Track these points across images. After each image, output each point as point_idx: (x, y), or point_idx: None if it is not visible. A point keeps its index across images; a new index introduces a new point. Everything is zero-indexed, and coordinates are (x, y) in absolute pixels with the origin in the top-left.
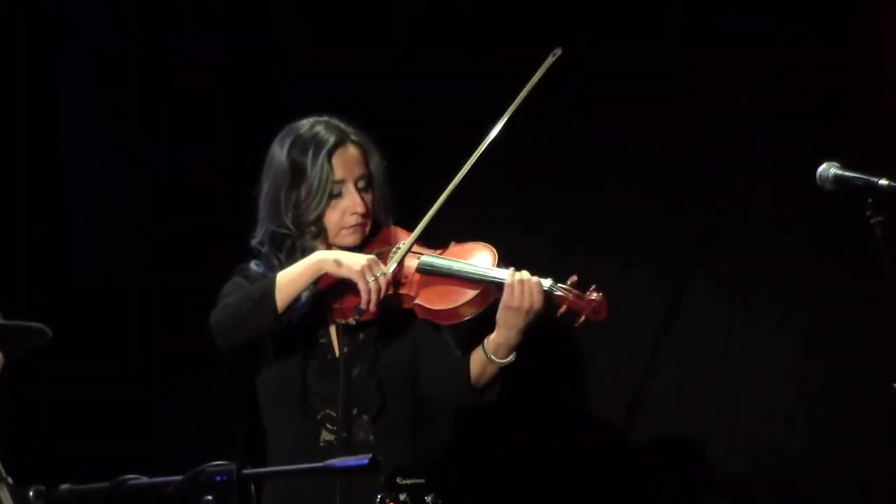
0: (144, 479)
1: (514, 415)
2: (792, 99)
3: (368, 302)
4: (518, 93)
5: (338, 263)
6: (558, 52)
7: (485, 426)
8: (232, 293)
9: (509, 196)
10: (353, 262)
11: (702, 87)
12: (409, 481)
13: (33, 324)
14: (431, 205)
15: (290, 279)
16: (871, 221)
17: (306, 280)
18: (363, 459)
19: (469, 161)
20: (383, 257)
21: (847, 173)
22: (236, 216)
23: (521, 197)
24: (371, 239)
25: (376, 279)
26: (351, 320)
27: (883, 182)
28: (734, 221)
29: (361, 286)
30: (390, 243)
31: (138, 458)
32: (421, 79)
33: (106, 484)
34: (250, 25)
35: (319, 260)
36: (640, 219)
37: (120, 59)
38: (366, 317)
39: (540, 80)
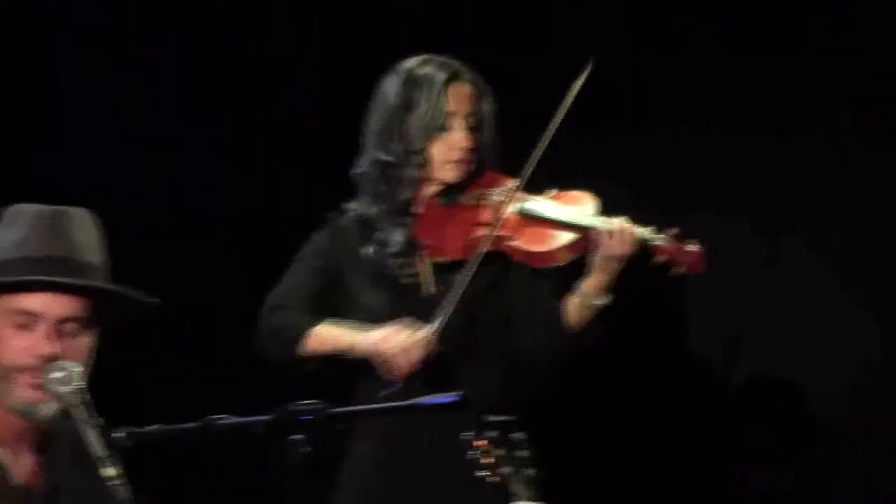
0: (233, 419)
1: (607, 359)
2: None
3: (400, 379)
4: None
5: (358, 344)
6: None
7: (577, 369)
8: (300, 268)
9: (611, 144)
10: (370, 342)
11: None
12: (499, 419)
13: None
14: (532, 152)
15: (324, 338)
16: None
17: (337, 349)
18: (453, 396)
19: (563, 106)
20: (484, 199)
21: None
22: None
23: (623, 144)
24: (473, 180)
25: (409, 360)
26: (385, 393)
27: None
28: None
29: (395, 370)
30: (491, 186)
31: (226, 399)
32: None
33: (194, 424)
34: None
35: (349, 341)
36: (742, 164)
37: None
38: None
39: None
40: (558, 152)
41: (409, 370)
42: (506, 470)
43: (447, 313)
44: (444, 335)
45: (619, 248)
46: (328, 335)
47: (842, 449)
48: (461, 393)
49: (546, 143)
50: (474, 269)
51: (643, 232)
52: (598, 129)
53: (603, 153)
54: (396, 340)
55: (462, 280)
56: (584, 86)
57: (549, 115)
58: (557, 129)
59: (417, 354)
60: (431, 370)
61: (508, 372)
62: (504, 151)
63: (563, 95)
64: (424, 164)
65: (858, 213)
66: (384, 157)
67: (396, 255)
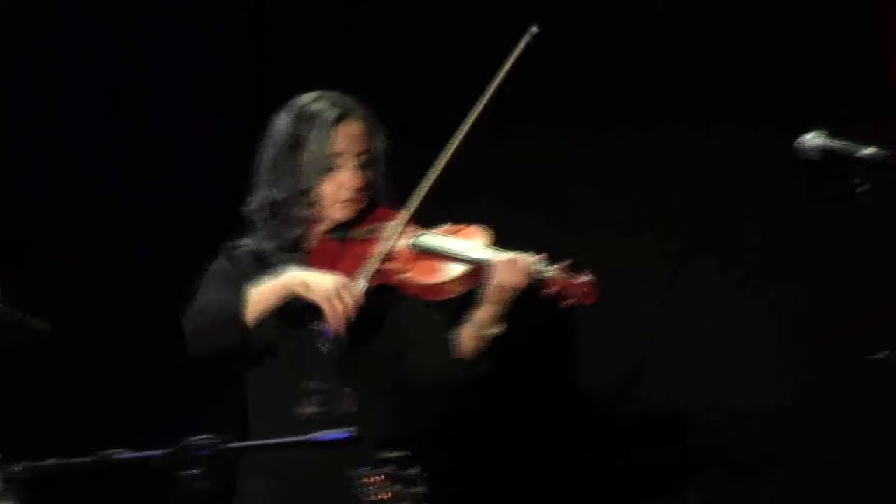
0: (129, 453)
1: (500, 387)
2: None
3: (336, 326)
4: (498, 71)
5: (305, 286)
6: (534, 30)
7: (470, 398)
8: (209, 290)
9: (500, 176)
10: (320, 286)
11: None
12: (393, 454)
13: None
14: (422, 185)
15: (259, 297)
16: (857, 191)
17: (275, 301)
18: (346, 433)
19: (454, 140)
20: (375, 234)
21: (833, 142)
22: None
23: (512, 176)
24: (364, 217)
25: (344, 303)
26: (322, 348)
27: (869, 151)
28: (721, 191)
29: (328, 311)
30: (382, 221)
31: (123, 433)
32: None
33: (91, 458)
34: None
35: (287, 282)
36: (630, 193)
37: None
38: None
39: (517, 60)
40: (451, 185)
41: (345, 316)
42: None
43: (369, 273)
44: (334, 369)
45: (510, 279)
46: (265, 290)
47: (744, 476)
48: (354, 429)
49: (434, 177)
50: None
51: (534, 263)
52: (494, 158)
53: (498, 182)
54: (327, 280)
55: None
56: (477, 119)
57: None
58: (447, 163)
59: (353, 297)
60: (325, 405)
61: (401, 405)
62: (401, 186)
63: (454, 127)
64: (314, 203)
65: (764, 240)
66: (275, 194)
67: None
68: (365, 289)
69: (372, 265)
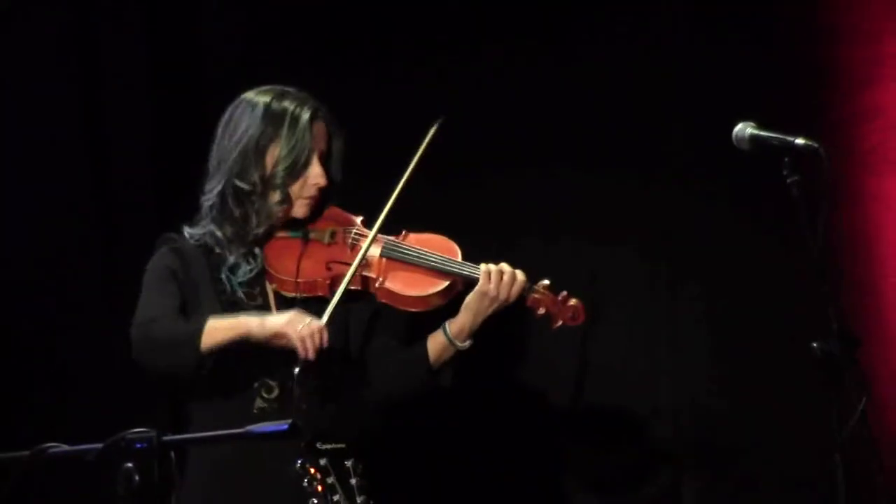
0: (64, 447)
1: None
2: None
3: (307, 354)
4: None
5: (260, 328)
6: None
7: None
8: (155, 291)
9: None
10: (274, 325)
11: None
12: (329, 446)
13: None
14: (389, 191)
15: (215, 332)
16: (788, 181)
17: (231, 339)
18: (282, 425)
19: (420, 149)
20: (339, 237)
21: (763, 133)
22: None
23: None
24: (318, 216)
25: (314, 342)
26: (295, 374)
27: (799, 141)
28: (655, 187)
29: (298, 345)
30: (341, 224)
31: (57, 427)
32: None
33: (26, 452)
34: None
35: (245, 327)
36: (571, 193)
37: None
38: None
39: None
40: (416, 191)
41: (314, 351)
42: (337, 497)
43: (332, 309)
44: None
45: (501, 291)
46: (222, 326)
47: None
48: (289, 421)
49: (404, 182)
50: (334, 303)
51: (525, 281)
52: (451, 173)
53: (455, 198)
54: (303, 322)
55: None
56: (440, 128)
57: (402, 152)
58: (414, 168)
59: (322, 336)
60: (277, 402)
61: (347, 401)
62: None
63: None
64: (284, 200)
65: (686, 230)
66: (240, 184)
67: (243, 284)
68: (329, 321)
69: (348, 276)
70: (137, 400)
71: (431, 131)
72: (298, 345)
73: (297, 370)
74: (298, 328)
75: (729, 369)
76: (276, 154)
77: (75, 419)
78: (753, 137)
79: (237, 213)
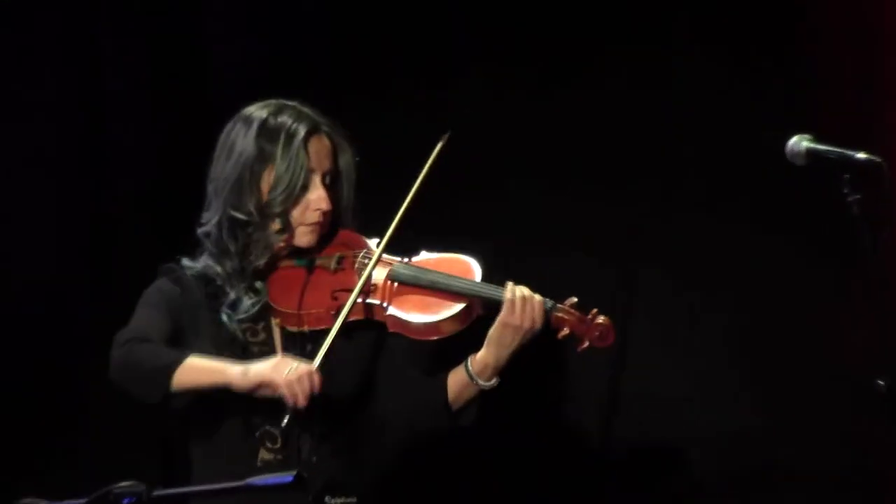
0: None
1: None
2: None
3: (296, 401)
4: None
5: (242, 376)
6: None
7: (435, 442)
8: (147, 310)
9: (475, 200)
10: (258, 372)
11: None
12: (339, 500)
13: None
14: (396, 209)
15: (193, 371)
16: (848, 200)
17: (207, 382)
18: (286, 476)
19: (431, 159)
20: (347, 262)
21: (820, 146)
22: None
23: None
24: (329, 242)
25: (303, 388)
26: (283, 424)
27: (861, 156)
28: (686, 208)
29: (285, 392)
30: (352, 248)
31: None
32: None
33: None
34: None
35: (225, 376)
36: (594, 214)
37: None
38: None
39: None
40: (424, 210)
41: (305, 398)
42: None
43: (326, 349)
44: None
45: (524, 319)
46: (201, 368)
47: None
48: (295, 472)
49: (410, 199)
50: (332, 338)
51: (545, 301)
52: (463, 187)
53: (474, 211)
54: (290, 367)
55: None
56: (447, 142)
57: (409, 169)
58: (421, 185)
59: (313, 381)
60: (282, 452)
61: (359, 449)
62: (366, 207)
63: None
64: (285, 228)
65: (746, 283)
66: (236, 214)
67: (245, 321)
68: (321, 364)
69: (347, 306)
70: (127, 446)
71: (437, 147)
72: (286, 392)
73: (285, 420)
74: (285, 373)
75: (763, 396)
76: (271, 178)
77: (60, 468)
78: (810, 151)
79: (234, 246)
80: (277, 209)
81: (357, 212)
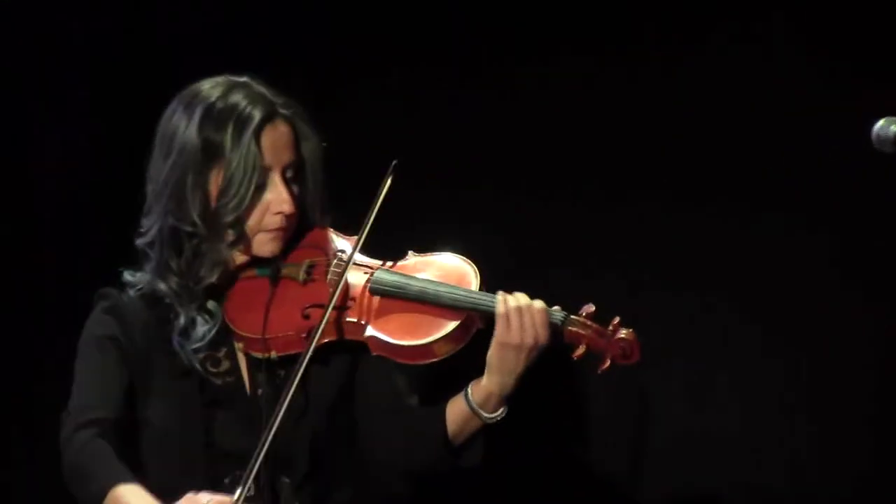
0: None
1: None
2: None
3: None
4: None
5: None
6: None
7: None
8: (87, 372)
9: (472, 190)
10: None
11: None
12: None
13: None
14: (372, 204)
15: None
16: None
17: None
18: None
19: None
20: (319, 271)
21: None
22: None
23: (488, 192)
24: (297, 244)
25: None
26: None
27: None
28: (748, 219)
29: None
30: (325, 252)
31: None
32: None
33: None
34: None
35: None
36: (634, 216)
37: None
38: None
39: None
40: (410, 204)
41: None
42: None
43: (256, 463)
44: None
45: (523, 335)
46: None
47: None
48: None
49: (385, 190)
50: (301, 370)
51: (553, 313)
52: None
53: (477, 203)
54: None
55: (284, 396)
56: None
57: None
58: (397, 174)
59: None
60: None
61: (344, 492)
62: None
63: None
64: (239, 239)
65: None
66: (176, 224)
67: (201, 349)
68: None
69: (316, 334)
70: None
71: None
72: None
73: None
74: None
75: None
76: (220, 180)
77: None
78: None
79: (177, 263)
80: (229, 218)
81: (326, 208)
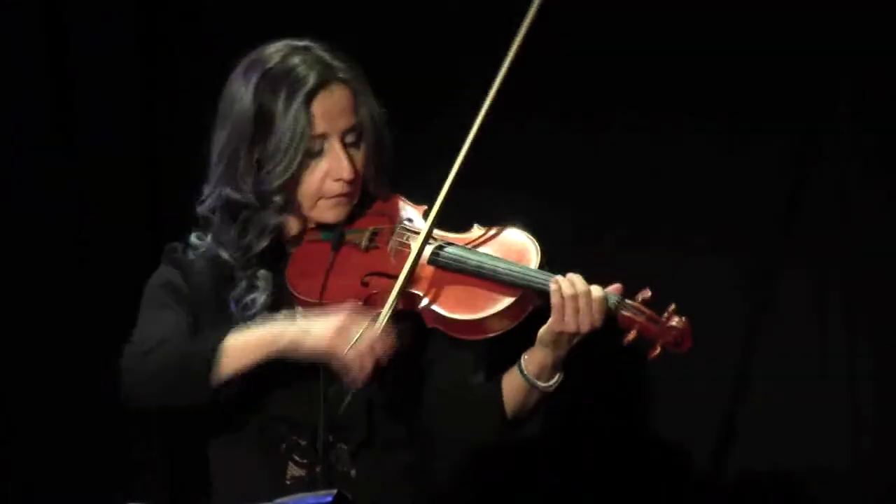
0: None
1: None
2: None
3: (355, 381)
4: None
5: (300, 341)
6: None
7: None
8: (154, 314)
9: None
10: (321, 337)
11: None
12: None
13: None
14: (445, 173)
15: (239, 353)
16: None
17: (259, 358)
18: (325, 497)
19: (479, 117)
20: (382, 239)
21: None
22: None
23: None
24: (361, 212)
25: (360, 353)
26: (345, 404)
27: None
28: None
29: (353, 368)
30: (391, 220)
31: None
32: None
33: None
34: None
35: (278, 334)
36: (711, 196)
37: None
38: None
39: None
40: (481, 175)
41: (374, 370)
42: None
43: (390, 307)
44: (329, 424)
45: (582, 325)
46: (246, 346)
47: None
48: (334, 492)
49: (462, 161)
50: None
51: (609, 296)
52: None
53: (539, 172)
54: (355, 331)
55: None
56: (506, 82)
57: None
58: (475, 145)
59: (385, 347)
60: (314, 467)
61: (412, 466)
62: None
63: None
64: (285, 206)
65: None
66: (231, 194)
67: (254, 317)
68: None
69: (395, 292)
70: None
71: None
72: (354, 366)
73: (347, 401)
74: (351, 342)
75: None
76: (272, 145)
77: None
78: None
79: (232, 232)
80: (275, 185)
81: (391, 172)
